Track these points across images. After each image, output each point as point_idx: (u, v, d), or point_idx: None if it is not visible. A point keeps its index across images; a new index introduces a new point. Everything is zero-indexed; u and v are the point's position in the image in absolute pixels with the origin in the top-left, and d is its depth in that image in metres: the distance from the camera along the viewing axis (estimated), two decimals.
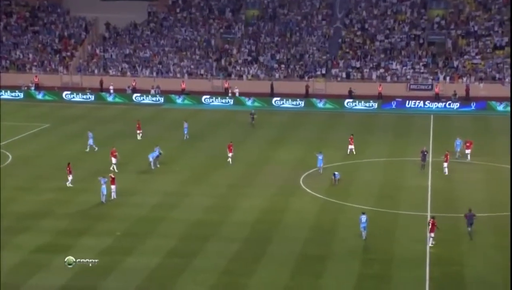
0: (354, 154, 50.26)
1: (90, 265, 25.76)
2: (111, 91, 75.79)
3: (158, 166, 47.73)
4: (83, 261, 25.82)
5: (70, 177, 43.24)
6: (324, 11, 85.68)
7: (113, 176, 41.26)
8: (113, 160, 46.64)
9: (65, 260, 25.95)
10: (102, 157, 49.75)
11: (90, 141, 52.52)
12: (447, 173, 45.76)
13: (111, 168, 45.93)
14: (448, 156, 46.44)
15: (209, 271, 30.62)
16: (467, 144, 49.49)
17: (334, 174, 44.14)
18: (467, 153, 48.97)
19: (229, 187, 43.46)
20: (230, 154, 48.59)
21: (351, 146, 50.71)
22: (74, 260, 25.56)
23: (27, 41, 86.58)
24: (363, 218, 34.89)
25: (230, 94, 73.91)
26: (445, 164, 46.13)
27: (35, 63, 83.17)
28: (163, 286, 29.50)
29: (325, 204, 40.24)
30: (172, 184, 44.33)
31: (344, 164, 48.42)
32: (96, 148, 51.93)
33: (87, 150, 52.18)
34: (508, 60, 75.42)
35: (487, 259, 32.16)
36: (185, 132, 56.27)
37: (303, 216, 37.88)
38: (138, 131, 56.23)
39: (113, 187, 40.90)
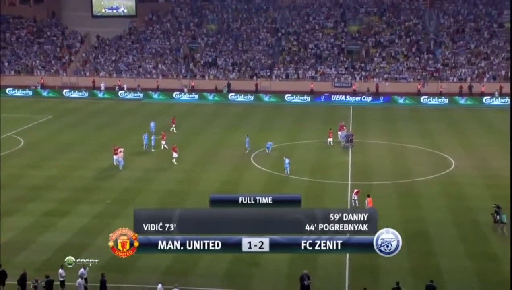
0: (331, 145, 47.63)
1: (90, 265, 24.02)
2: (102, 88, 74.13)
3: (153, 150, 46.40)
4: (83, 261, 24.22)
5: (120, 153, 41.28)
6: (268, 25, 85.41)
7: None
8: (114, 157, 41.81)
9: (65, 260, 23.47)
10: (95, 141, 48.96)
11: (152, 127, 50.29)
12: (332, 144, 47.28)
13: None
14: (331, 133, 47.61)
15: None
16: (342, 129, 48.27)
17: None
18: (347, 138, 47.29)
19: (195, 164, 43.20)
20: (175, 155, 42.97)
21: (330, 139, 47.82)
22: (74, 260, 23.42)
23: (35, 50, 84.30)
24: (287, 160, 37.93)
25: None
26: (330, 139, 47.49)
27: (40, 68, 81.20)
28: None
29: (270, 176, 40.31)
30: (150, 162, 43.87)
31: (284, 145, 48.59)
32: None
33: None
34: (406, 65, 76.58)
35: (393, 215, 32.75)
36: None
37: (253, 186, 37.88)
38: (173, 125, 53.22)
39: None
